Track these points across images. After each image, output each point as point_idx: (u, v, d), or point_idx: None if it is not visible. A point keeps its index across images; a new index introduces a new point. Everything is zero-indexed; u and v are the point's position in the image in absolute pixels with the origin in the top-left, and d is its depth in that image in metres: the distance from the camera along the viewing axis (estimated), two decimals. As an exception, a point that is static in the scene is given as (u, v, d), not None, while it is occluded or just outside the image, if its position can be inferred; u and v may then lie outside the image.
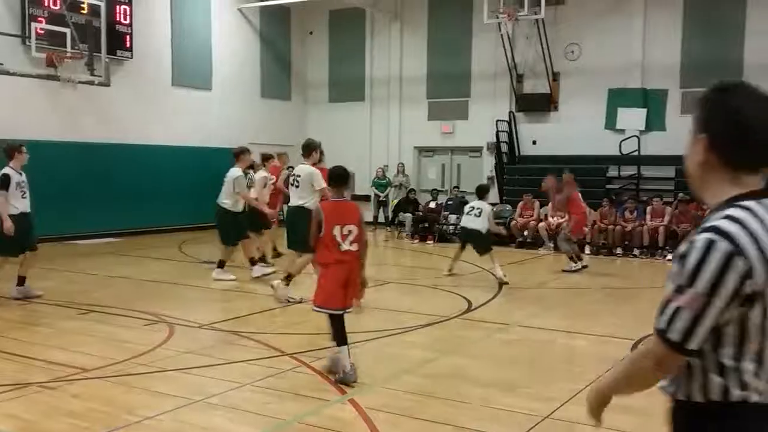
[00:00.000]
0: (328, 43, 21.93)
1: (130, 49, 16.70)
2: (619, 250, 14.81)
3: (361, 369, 5.98)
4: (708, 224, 1.80)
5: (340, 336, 5.74)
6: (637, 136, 17.23)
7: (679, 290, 1.78)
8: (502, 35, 17.94)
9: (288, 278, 8.90)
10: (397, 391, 5.57)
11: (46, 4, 14.74)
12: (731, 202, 1.82)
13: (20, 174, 8.76)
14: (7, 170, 8.67)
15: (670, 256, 13.92)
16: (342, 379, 5.68)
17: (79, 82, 13.78)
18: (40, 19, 14.41)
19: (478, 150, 19.94)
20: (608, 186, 16.99)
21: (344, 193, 6.02)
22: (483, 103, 19.54)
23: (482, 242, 10.96)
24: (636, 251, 14.57)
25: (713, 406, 1.82)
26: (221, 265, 10.60)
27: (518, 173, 18.45)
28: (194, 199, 16.28)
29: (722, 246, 1.73)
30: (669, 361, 1.82)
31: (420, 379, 5.96)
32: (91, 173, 15.51)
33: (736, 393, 1.80)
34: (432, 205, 17.85)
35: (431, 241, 16.74)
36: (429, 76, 20.42)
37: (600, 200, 15.46)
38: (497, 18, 16.93)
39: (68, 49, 13.67)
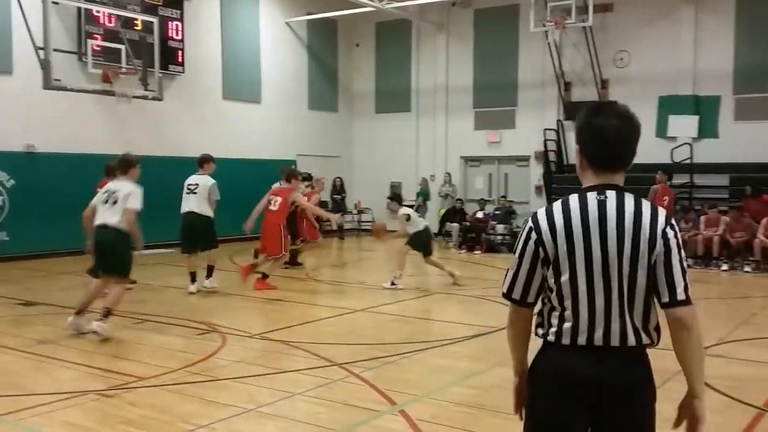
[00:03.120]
0: (374, 54, 22.09)
1: (182, 64, 17.10)
2: (671, 260, 14.49)
3: (410, 380, 5.99)
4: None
5: None
6: (689, 144, 16.89)
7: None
8: (549, 43, 17.83)
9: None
10: (447, 403, 5.56)
11: (101, 22, 15.20)
12: (566, 195, 2.47)
13: None
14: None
15: (725, 266, 13.60)
16: None
17: (134, 97, 14.13)
18: (95, 36, 14.86)
19: (525, 159, 19.81)
20: (659, 195, 16.67)
21: None
22: (530, 111, 19.42)
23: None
24: (690, 261, 14.26)
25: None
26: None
27: (567, 182, 18.22)
28: (245, 210, 16.46)
29: (528, 225, 2.47)
30: (513, 311, 2.56)
31: (470, 390, 5.94)
32: (144, 186, 15.81)
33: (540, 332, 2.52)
34: (479, 214, 17.78)
35: (479, 251, 16.66)
36: (475, 85, 20.39)
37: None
38: (544, 26, 16.83)
39: (123, 64, 14.06)
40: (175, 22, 16.94)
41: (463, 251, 16.90)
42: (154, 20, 14.64)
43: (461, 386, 6.04)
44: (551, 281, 2.43)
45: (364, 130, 22.22)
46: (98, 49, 14.29)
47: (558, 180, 18.50)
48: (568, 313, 2.41)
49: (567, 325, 2.41)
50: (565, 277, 2.39)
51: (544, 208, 2.48)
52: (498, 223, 17.17)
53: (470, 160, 21.00)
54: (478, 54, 20.33)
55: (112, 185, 7.92)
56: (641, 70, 17.81)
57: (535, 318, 2.56)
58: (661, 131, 17.58)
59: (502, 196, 19.21)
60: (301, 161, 19.77)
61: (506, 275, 2.53)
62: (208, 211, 10.56)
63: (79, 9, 14.80)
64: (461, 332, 8.06)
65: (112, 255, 7.65)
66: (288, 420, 5.17)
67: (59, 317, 8.61)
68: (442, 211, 19.11)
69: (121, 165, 8.08)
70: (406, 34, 21.40)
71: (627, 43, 18.00)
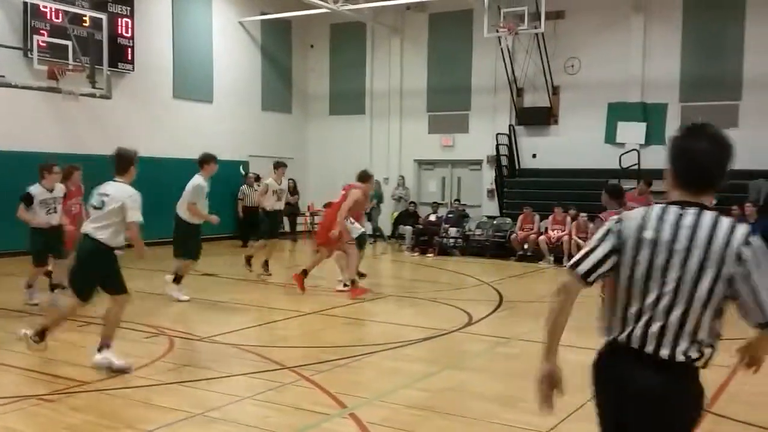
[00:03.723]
0: (329, 56, 22.03)
1: (132, 62, 16.78)
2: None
3: (361, 383, 5.96)
4: None
5: None
6: (637, 150, 17.24)
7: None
8: (502, 49, 18.02)
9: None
10: (398, 406, 5.55)
11: (47, 17, 14.80)
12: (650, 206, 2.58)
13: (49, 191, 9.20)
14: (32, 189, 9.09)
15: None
16: None
17: (81, 95, 13.78)
18: (41, 31, 14.46)
19: (478, 163, 19.98)
20: (608, 199, 16.98)
21: None
22: (483, 116, 19.59)
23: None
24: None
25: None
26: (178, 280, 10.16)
27: (518, 186, 18.47)
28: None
29: (615, 218, 2.58)
30: (569, 283, 2.60)
31: (420, 393, 5.94)
32: (93, 185, 15.49)
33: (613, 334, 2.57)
34: (432, 218, 17.85)
35: (431, 254, 16.73)
36: (429, 89, 20.50)
37: (600, 213, 15.39)
38: (497, 32, 17.00)
39: (70, 61, 13.69)
40: (124, 19, 16.60)
41: (415, 254, 16.94)
42: (103, 17, 14.27)
43: (412, 389, 6.04)
44: (614, 277, 2.55)
45: (318, 131, 22.13)
46: (44, 45, 13.89)
47: (510, 184, 18.71)
48: (621, 315, 2.53)
49: (622, 326, 2.53)
50: (624, 277, 2.51)
51: (630, 212, 2.59)
52: (451, 227, 17.27)
53: (424, 164, 21.09)
54: (433, 58, 20.44)
55: (106, 187, 6.82)
56: (591, 76, 18.13)
57: (598, 316, 2.69)
58: (610, 137, 17.92)
59: (456, 200, 19.33)
60: (253, 162, 19.60)
61: (579, 252, 2.63)
62: (184, 214, 10.03)
63: (25, 4, 14.35)
64: (413, 335, 8.07)
65: (79, 270, 6.72)
66: (236, 424, 5.09)
67: (1, 320, 8.37)
68: (396, 214, 19.14)
69: (119, 163, 6.85)
70: (360, 37, 21.39)
71: (578, 51, 18.30)
